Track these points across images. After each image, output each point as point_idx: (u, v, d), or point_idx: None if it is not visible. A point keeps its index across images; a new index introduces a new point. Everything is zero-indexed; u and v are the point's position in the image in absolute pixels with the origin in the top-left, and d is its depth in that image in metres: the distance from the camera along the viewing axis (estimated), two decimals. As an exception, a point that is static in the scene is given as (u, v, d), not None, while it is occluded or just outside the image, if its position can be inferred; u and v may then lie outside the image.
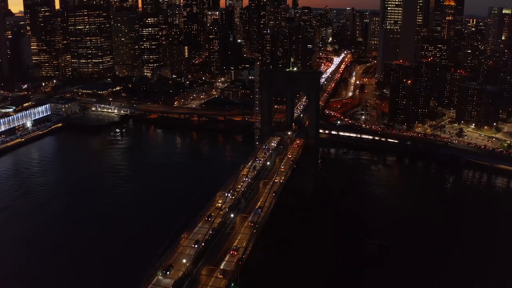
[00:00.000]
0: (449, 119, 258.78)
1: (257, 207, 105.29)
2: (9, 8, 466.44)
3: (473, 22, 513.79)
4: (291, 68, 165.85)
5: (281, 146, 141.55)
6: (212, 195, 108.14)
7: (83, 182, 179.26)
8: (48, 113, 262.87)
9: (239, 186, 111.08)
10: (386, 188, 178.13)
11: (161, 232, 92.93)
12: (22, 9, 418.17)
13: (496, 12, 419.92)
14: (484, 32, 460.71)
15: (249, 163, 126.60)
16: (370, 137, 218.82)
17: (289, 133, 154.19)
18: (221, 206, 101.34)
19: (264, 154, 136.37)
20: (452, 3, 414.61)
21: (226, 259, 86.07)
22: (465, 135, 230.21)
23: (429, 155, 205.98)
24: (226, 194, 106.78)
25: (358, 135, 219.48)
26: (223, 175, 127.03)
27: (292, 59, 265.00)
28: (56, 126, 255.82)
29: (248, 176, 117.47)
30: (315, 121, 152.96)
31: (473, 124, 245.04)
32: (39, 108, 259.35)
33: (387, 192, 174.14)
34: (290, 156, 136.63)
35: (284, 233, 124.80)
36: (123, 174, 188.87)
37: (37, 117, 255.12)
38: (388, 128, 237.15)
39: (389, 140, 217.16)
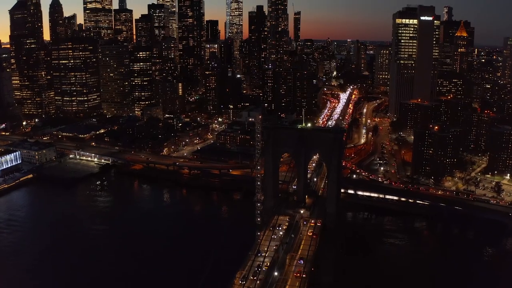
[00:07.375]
0: (480, 169, 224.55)
1: None
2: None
3: (474, 52, 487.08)
4: (303, 125, 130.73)
5: (292, 235, 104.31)
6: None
7: (47, 254, 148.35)
8: (19, 162, 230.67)
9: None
10: (417, 270, 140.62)
11: None
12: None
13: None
14: (498, 63, 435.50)
15: (249, 264, 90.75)
16: (395, 197, 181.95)
17: (301, 211, 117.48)
18: None
19: (268, 249, 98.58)
20: (465, 34, 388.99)
21: None
22: (503, 190, 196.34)
23: (467, 220, 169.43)
24: None
25: (381, 195, 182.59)
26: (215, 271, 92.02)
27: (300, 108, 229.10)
28: (25, 177, 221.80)
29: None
30: (336, 195, 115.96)
31: (508, 175, 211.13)
32: (7, 156, 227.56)
33: (419, 277, 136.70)
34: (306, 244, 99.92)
35: None
36: (92, 248, 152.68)
37: (4, 167, 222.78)
38: (412, 182, 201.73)
39: (417, 201, 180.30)
